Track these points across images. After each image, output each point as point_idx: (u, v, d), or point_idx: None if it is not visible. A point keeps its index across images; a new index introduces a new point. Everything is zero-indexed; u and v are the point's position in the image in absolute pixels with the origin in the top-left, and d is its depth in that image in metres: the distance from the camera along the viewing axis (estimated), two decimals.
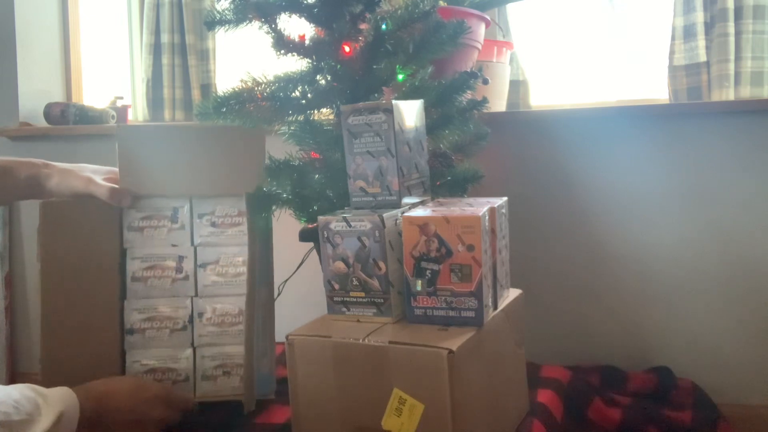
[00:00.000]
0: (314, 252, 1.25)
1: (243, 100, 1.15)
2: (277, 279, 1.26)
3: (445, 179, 1.25)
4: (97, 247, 1.15)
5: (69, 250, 1.13)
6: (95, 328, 1.13)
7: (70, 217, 1.15)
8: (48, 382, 0.96)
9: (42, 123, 2.01)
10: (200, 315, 1.16)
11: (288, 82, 1.17)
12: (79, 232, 1.15)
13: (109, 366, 1.13)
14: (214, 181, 1.16)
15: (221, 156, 1.16)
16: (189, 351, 1.16)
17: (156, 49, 2.04)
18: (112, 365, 1.13)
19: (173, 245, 1.17)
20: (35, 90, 2.05)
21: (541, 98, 1.86)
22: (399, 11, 1.15)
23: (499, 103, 1.70)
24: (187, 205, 1.17)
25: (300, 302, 1.44)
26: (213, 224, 1.17)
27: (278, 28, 1.14)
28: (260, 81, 1.17)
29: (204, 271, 1.17)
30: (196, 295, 1.17)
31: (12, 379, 1.96)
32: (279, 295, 1.26)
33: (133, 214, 1.16)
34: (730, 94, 1.59)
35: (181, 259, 1.16)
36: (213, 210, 1.17)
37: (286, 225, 1.24)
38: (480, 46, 1.53)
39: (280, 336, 1.07)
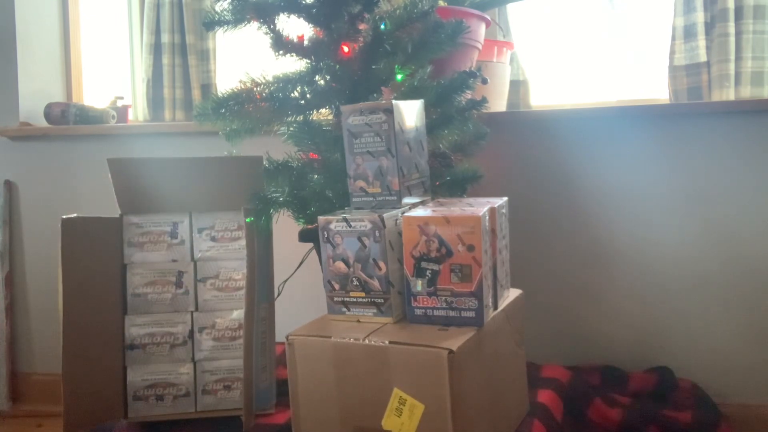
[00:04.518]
0: (314, 252, 1.25)
1: (242, 100, 1.15)
2: (277, 279, 1.26)
3: (445, 179, 1.24)
4: (99, 262, 1.14)
5: (84, 266, 1.13)
6: (100, 343, 1.13)
7: (87, 233, 1.14)
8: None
9: (42, 123, 2.01)
10: (200, 329, 1.16)
11: (287, 82, 1.17)
12: (90, 248, 1.15)
13: (112, 380, 1.13)
14: (212, 203, 1.16)
15: (217, 181, 1.15)
16: (189, 365, 1.16)
17: (156, 49, 2.04)
18: (116, 379, 1.13)
19: (173, 260, 1.17)
20: (35, 90, 2.05)
21: (541, 98, 1.86)
22: (398, 11, 1.15)
23: (499, 103, 1.70)
24: (186, 220, 1.17)
25: (300, 302, 1.44)
26: (213, 238, 1.17)
27: (277, 28, 1.14)
28: (259, 82, 1.17)
29: (204, 285, 1.17)
30: (197, 309, 1.17)
31: (12, 379, 1.96)
32: (279, 295, 1.26)
33: (133, 229, 1.16)
34: (730, 94, 1.59)
35: (180, 274, 1.16)
36: (212, 224, 1.17)
37: (285, 225, 1.24)
38: (480, 46, 1.53)
39: (280, 336, 1.06)
